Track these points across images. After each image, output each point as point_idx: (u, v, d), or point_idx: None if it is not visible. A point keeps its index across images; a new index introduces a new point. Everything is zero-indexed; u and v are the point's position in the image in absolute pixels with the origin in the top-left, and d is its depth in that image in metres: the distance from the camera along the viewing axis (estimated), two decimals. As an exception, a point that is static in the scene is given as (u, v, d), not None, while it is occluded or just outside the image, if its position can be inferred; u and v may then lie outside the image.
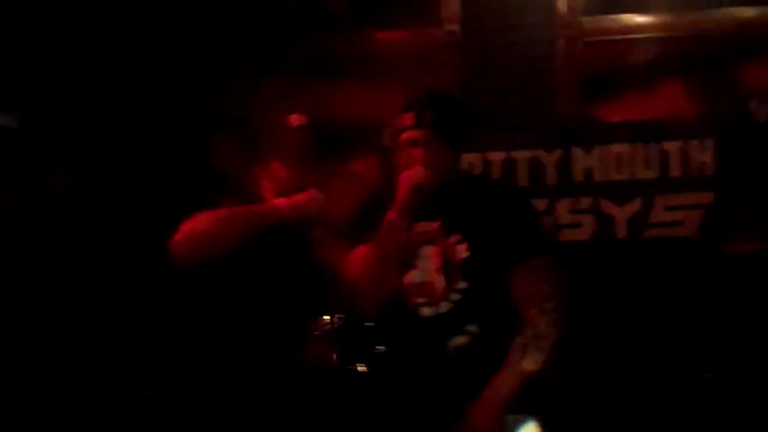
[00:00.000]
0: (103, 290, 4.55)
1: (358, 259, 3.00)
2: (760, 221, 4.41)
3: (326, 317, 4.31)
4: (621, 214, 4.54)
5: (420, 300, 2.96)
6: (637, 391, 4.31)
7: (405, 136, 2.97)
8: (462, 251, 2.99)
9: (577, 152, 4.60)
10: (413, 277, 2.99)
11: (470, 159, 4.61)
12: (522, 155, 4.64)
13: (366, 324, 3.84)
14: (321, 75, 4.92)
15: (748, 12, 4.63)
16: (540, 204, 4.51)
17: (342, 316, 4.19)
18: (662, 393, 4.31)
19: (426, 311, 2.96)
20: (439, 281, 2.97)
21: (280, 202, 3.03)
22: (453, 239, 3.01)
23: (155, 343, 4.21)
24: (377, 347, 3.98)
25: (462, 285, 2.96)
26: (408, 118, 2.97)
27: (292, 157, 3.15)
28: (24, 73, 4.80)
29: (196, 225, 2.97)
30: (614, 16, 4.76)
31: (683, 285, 4.42)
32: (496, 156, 4.65)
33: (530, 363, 2.84)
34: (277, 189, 3.11)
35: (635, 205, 4.53)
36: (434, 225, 3.01)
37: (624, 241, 4.53)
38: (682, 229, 4.48)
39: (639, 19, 4.74)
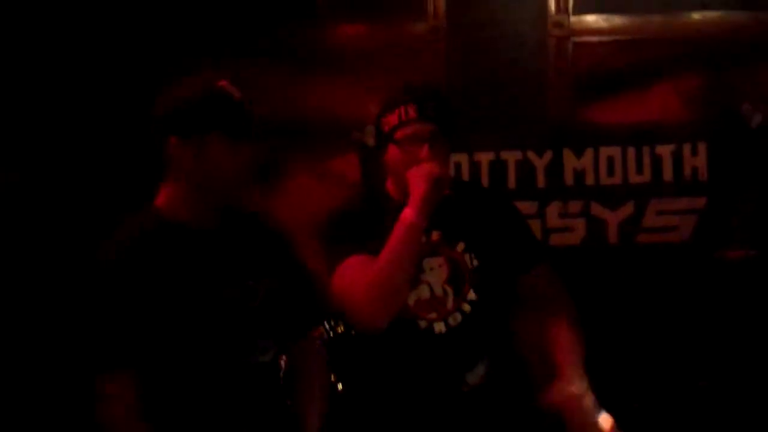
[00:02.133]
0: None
1: (358, 268, 2.69)
2: (753, 227, 4.33)
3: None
4: (613, 218, 4.41)
5: (431, 316, 2.76)
6: (632, 399, 4.17)
7: (406, 131, 2.72)
8: (469, 260, 2.83)
9: (569, 154, 4.46)
10: (421, 292, 2.77)
11: (456, 159, 4.44)
12: (511, 156, 4.47)
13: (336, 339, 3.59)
14: (295, 68, 4.70)
15: (742, 15, 4.56)
16: (530, 207, 4.37)
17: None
18: (657, 401, 4.19)
19: (438, 327, 2.77)
20: (449, 294, 2.79)
21: (409, 212, 2.65)
22: (459, 248, 2.84)
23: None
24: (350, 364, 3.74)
25: (472, 296, 2.80)
26: (410, 110, 2.71)
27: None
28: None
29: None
30: (605, 16, 4.63)
31: (676, 291, 4.31)
32: (484, 156, 4.47)
33: None
34: None
35: (627, 209, 4.40)
36: (434, 235, 2.81)
37: (616, 246, 4.39)
38: (675, 234, 4.37)
39: (630, 20, 4.63)
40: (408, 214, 2.64)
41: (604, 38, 4.64)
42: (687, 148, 4.41)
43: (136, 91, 4.55)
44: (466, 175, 4.44)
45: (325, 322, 3.56)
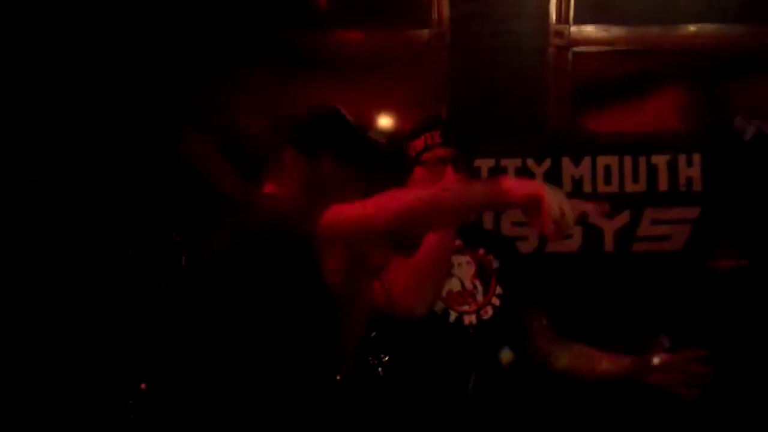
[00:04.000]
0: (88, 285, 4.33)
1: (402, 266, 2.90)
2: (745, 237, 4.45)
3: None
4: (609, 226, 4.51)
5: (463, 308, 2.97)
6: (627, 406, 4.30)
7: (433, 153, 3.03)
8: (493, 260, 3.11)
9: (567, 162, 4.56)
10: (452, 285, 3.00)
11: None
12: (511, 164, 4.57)
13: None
14: (298, 73, 4.78)
15: (738, 29, 4.66)
16: (529, 214, 4.49)
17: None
18: (651, 408, 4.30)
19: (468, 319, 2.99)
20: (479, 287, 3.03)
21: (509, 184, 2.46)
22: (480, 251, 3.13)
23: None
24: (382, 356, 3.87)
25: (499, 290, 3.05)
26: (434, 136, 3.05)
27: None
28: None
29: (394, 201, 2.52)
30: (605, 27, 4.74)
31: (669, 300, 4.43)
32: (484, 163, 4.56)
33: None
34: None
35: (623, 217, 4.51)
36: (456, 242, 3.03)
37: (611, 254, 4.51)
38: (669, 243, 4.48)
39: (629, 31, 4.73)
40: None
41: (604, 48, 4.75)
42: (682, 159, 4.51)
43: (144, 93, 4.68)
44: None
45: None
